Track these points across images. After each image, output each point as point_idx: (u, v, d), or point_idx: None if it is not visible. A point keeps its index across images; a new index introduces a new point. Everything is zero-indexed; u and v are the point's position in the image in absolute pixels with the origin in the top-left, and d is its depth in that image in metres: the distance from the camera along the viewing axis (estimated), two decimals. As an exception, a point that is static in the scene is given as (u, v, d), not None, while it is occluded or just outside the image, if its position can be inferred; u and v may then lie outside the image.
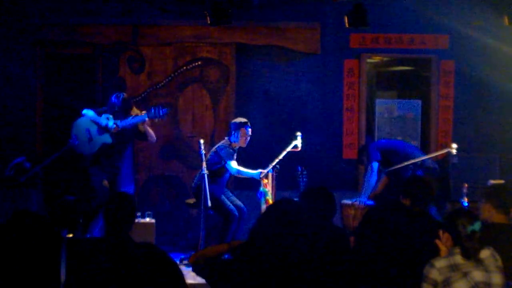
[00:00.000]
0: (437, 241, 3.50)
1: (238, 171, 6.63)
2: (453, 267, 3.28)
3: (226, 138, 6.85)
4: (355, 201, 6.69)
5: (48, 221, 2.22)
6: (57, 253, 2.17)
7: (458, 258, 3.29)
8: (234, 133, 6.73)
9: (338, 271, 2.85)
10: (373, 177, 6.81)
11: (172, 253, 6.72)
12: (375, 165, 6.81)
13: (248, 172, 6.59)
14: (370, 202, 6.70)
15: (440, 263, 3.32)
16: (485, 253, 3.31)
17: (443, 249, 3.48)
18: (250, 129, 6.76)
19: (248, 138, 6.78)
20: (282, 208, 2.76)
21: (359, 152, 7.39)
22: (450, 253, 3.35)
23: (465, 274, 3.25)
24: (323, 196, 4.15)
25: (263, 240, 2.68)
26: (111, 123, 6.42)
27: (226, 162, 6.60)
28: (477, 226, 3.33)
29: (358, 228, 2.84)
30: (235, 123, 6.78)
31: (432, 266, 3.31)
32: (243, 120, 6.78)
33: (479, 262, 3.28)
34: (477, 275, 3.25)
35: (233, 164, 6.60)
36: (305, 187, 6.48)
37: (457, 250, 3.32)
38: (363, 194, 6.78)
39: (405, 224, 3.41)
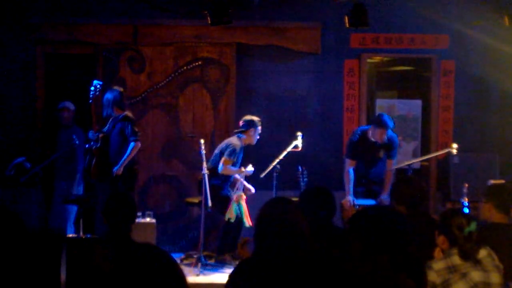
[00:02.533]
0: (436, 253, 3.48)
1: (224, 170, 6.74)
2: (451, 269, 3.26)
3: (235, 136, 6.89)
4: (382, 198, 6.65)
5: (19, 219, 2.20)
6: (57, 254, 2.16)
7: (456, 259, 3.28)
8: (247, 130, 6.83)
9: (337, 272, 2.85)
10: None
11: (173, 253, 6.73)
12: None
13: (234, 170, 6.76)
14: (371, 202, 6.69)
15: (438, 265, 3.30)
16: (482, 253, 3.30)
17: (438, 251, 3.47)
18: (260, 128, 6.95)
19: (258, 136, 6.89)
20: (276, 209, 2.78)
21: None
22: (447, 254, 3.33)
23: (464, 275, 3.24)
24: (322, 196, 4.14)
25: (264, 242, 2.70)
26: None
27: (224, 156, 6.72)
28: (473, 226, 3.31)
29: (348, 228, 2.84)
30: (251, 120, 6.86)
31: (430, 268, 3.29)
32: (256, 118, 6.91)
33: (477, 262, 3.27)
34: (476, 275, 3.24)
35: (224, 163, 6.72)
36: (305, 187, 6.48)
37: (454, 250, 3.31)
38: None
39: (400, 224, 3.39)
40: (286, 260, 2.66)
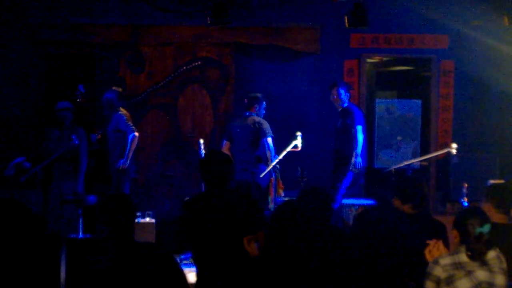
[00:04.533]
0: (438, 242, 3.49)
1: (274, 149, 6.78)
2: (457, 265, 3.27)
3: (254, 115, 6.89)
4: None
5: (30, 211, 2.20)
6: (57, 254, 2.16)
7: (463, 257, 3.29)
8: (261, 107, 6.93)
9: (338, 272, 2.85)
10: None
11: (172, 253, 6.72)
12: (361, 128, 6.95)
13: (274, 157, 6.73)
14: (371, 202, 6.69)
15: (444, 260, 3.31)
16: (491, 254, 3.31)
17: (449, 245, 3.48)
18: None
19: None
20: (290, 213, 2.81)
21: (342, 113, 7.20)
22: (455, 251, 3.34)
23: (469, 273, 3.25)
24: (321, 197, 4.12)
25: (277, 243, 2.73)
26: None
27: (268, 137, 6.76)
28: (486, 228, 3.31)
29: (352, 228, 2.85)
30: (259, 97, 6.95)
31: (436, 263, 3.31)
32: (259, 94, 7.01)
33: (484, 262, 3.28)
34: (481, 274, 3.25)
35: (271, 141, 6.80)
36: (304, 187, 6.48)
37: (462, 248, 3.32)
38: (356, 157, 6.85)
39: (402, 224, 3.38)
40: (297, 260, 2.68)
